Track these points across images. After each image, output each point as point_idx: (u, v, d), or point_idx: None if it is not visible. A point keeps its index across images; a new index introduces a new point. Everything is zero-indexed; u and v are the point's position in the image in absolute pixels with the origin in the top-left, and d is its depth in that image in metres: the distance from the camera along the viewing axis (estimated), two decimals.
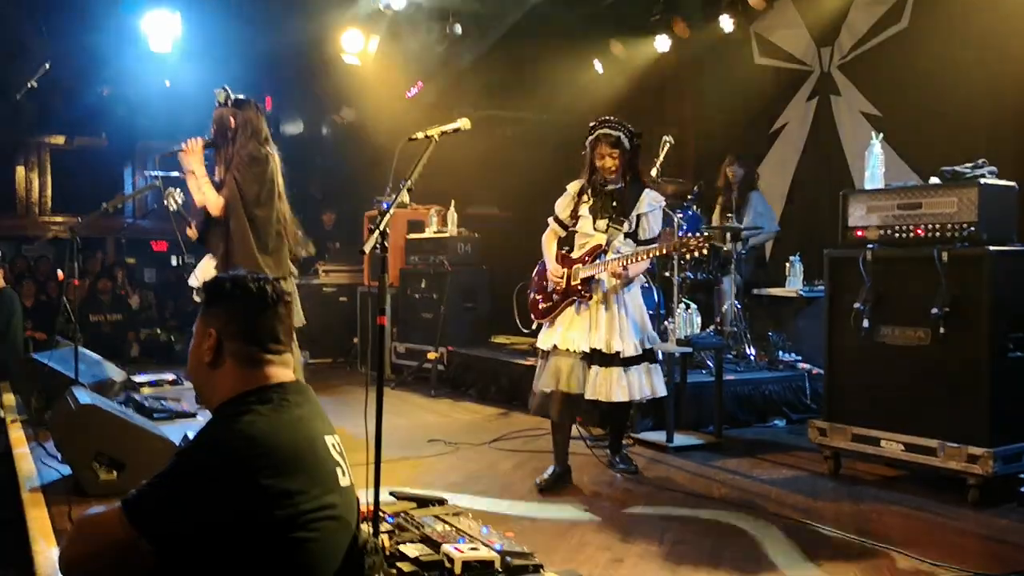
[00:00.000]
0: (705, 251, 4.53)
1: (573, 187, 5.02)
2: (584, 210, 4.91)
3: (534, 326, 5.13)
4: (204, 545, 1.94)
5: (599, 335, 4.76)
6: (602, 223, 4.86)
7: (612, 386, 4.73)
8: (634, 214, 4.87)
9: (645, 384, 4.86)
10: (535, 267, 5.20)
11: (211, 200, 5.10)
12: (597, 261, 4.80)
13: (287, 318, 2.20)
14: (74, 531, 2.07)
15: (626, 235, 4.87)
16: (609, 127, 4.86)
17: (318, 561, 2.04)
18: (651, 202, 4.92)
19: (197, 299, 6.93)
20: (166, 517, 1.94)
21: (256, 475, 1.93)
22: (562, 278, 4.88)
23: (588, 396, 4.76)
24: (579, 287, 4.83)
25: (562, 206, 5.04)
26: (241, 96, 5.28)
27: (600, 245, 4.84)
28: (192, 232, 5.76)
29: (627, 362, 4.79)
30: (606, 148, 4.83)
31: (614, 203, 4.87)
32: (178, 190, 6.56)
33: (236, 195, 5.06)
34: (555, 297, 4.94)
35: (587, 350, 4.75)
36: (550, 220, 5.09)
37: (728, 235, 7.52)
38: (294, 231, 5.27)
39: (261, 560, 1.95)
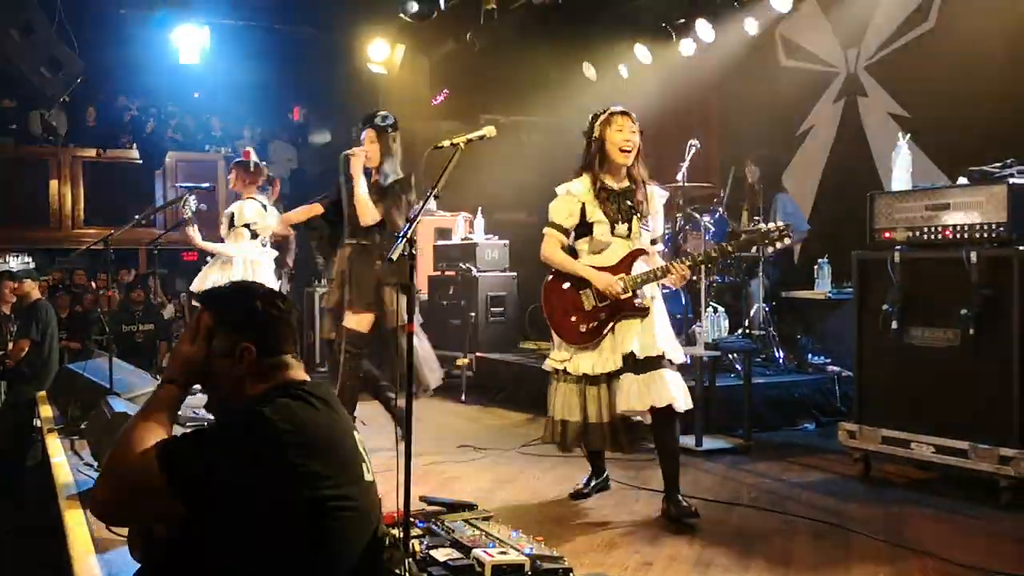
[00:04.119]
0: (788, 240, 4.24)
1: (577, 188, 4.41)
2: (597, 215, 4.36)
3: (573, 350, 4.42)
4: (226, 513, 2.01)
5: (630, 341, 4.25)
6: (623, 227, 4.36)
7: (656, 391, 4.17)
8: (650, 214, 4.47)
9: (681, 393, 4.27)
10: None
11: (370, 210, 5.43)
12: (644, 268, 4.33)
13: (293, 325, 2.36)
14: (107, 469, 2.14)
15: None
16: (621, 108, 4.41)
17: (338, 551, 2.11)
18: (659, 199, 4.54)
19: (196, 304, 7.20)
20: (195, 467, 2.02)
21: (286, 450, 2.03)
22: (618, 286, 4.27)
23: (623, 409, 4.23)
24: (633, 300, 4.29)
25: (564, 212, 4.42)
26: (395, 121, 5.64)
27: (640, 250, 4.38)
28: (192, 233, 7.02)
29: (672, 364, 4.28)
30: (627, 121, 4.35)
31: (628, 203, 4.39)
32: (193, 197, 7.00)
33: (401, 213, 5.43)
34: (602, 316, 4.32)
35: (613, 368, 4.28)
36: (549, 230, 4.46)
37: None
38: None
39: (282, 543, 2.02)
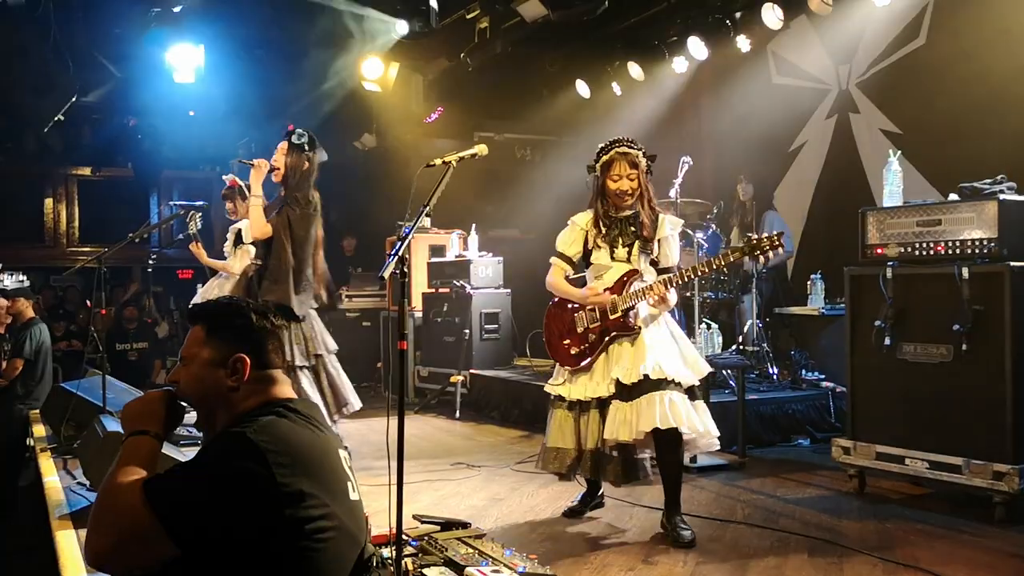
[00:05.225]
0: (781, 249, 4.14)
1: (581, 219, 4.50)
2: (596, 241, 4.42)
3: (566, 373, 4.48)
4: (213, 540, 1.98)
5: (622, 366, 4.21)
6: (622, 251, 4.37)
7: (645, 419, 4.08)
8: (655, 239, 4.41)
9: (696, 420, 4.19)
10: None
11: (258, 223, 5.31)
12: (634, 288, 4.29)
13: (283, 341, 2.38)
14: (95, 520, 2.08)
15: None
16: (626, 145, 4.36)
17: (325, 571, 2.08)
18: (671, 226, 4.45)
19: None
20: (181, 500, 1.99)
21: (274, 471, 2.00)
22: (609, 305, 4.30)
23: (609, 437, 4.19)
24: (621, 320, 4.28)
25: (568, 241, 4.52)
26: (312, 140, 5.52)
27: (634, 271, 4.35)
28: (198, 251, 6.99)
29: (668, 385, 4.15)
30: (624, 168, 4.33)
31: (631, 228, 4.39)
32: (199, 214, 6.95)
33: (285, 230, 5.27)
34: (591, 338, 4.36)
35: (605, 394, 4.25)
36: (554, 259, 4.55)
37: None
38: (326, 282, 5.49)
39: (270, 565, 2.00)
